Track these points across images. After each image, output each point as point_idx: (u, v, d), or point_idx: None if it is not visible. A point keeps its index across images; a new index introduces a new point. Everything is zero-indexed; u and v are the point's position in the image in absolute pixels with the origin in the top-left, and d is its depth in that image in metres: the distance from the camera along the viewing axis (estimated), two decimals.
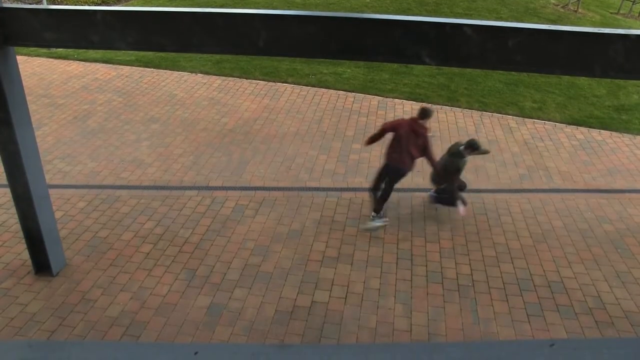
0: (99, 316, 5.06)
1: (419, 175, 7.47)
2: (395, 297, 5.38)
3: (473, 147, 6.30)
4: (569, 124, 9.25)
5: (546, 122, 9.26)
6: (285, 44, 3.99)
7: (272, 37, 3.96)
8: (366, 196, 6.81)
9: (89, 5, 13.43)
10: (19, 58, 4.88)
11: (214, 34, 4.02)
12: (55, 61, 11.36)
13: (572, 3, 14.98)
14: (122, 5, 15.43)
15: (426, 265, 5.81)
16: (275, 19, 3.93)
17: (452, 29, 3.72)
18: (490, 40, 3.71)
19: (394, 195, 6.60)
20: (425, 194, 7.03)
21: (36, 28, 4.31)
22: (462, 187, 6.72)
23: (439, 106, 9.65)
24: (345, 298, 5.36)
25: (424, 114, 6.06)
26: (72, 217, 6.46)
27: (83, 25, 4.22)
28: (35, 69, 10.88)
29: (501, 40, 3.70)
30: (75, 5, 15.30)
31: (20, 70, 4.77)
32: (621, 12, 16.13)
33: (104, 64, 11.22)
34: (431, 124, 8.98)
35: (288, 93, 10.00)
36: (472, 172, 7.60)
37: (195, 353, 0.92)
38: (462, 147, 6.37)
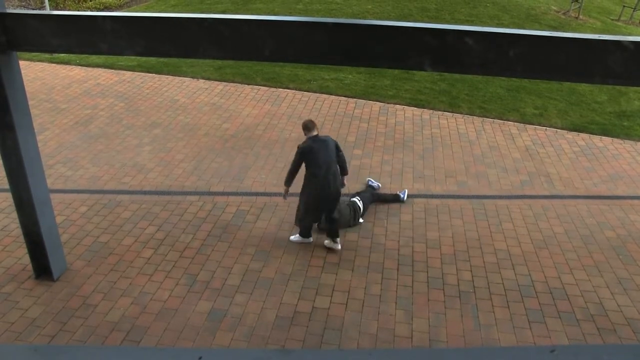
0: (99, 321, 5.05)
1: (420, 181, 7.48)
2: (396, 303, 5.37)
3: None
4: (570, 130, 9.25)
5: (547, 128, 9.27)
6: (290, 51, 4.00)
7: (276, 44, 3.98)
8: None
9: (92, 11, 13.49)
10: (21, 63, 4.89)
11: (220, 41, 4.04)
12: (57, 66, 11.40)
13: (573, 10, 15.02)
14: (125, 11, 15.49)
15: (427, 271, 5.80)
16: (280, 25, 3.95)
17: (454, 36, 3.73)
18: (491, 47, 3.72)
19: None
20: (426, 200, 7.03)
21: (39, 33, 4.34)
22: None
23: (440, 112, 9.66)
24: (346, 304, 5.35)
25: None
26: (74, 221, 6.46)
27: (85, 31, 4.24)
28: (38, 74, 10.92)
29: (502, 46, 3.71)
30: (78, 11, 15.37)
31: (22, 75, 4.79)
32: (622, 18, 16.17)
33: (106, 69, 11.25)
34: (432, 130, 9.00)
35: (289, 99, 10.02)
36: (473, 178, 7.61)
37: (199, 358, 0.91)
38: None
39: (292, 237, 6.20)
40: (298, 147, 5.90)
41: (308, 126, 5.93)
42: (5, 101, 4.59)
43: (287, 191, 6.07)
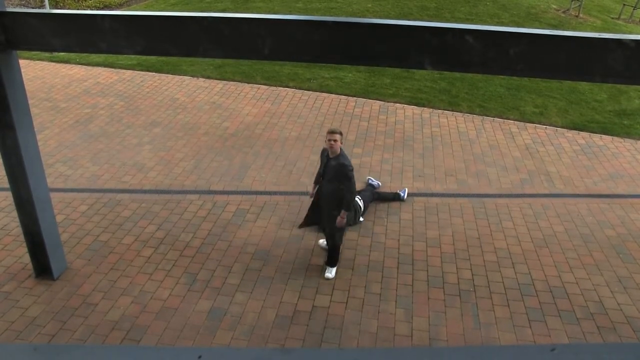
0: (99, 320, 5.06)
1: (420, 180, 7.48)
2: (396, 301, 5.37)
3: None
4: (571, 128, 9.25)
5: (547, 126, 9.26)
6: (290, 49, 4.00)
7: (276, 42, 3.97)
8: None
9: (91, 10, 13.47)
10: (21, 62, 4.89)
11: (220, 40, 4.03)
12: (57, 65, 11.39)
13: (573, 8, 15.01)
14: (124, 10, 15.48)
15: (427, 270, 5.80)
16: (280, 24, 3.94)
17: (454, 34, 3.73)
18: (491, 45, 3.72)
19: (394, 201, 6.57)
20: (426, 199, 7.04)
21: (39, 32, 4.33)
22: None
23: (440, 111, 9.66)
24: (346, 303, 5.35)
25: None
26: (74, 220, 6.46)
27: (85, 30, 4.24)
28: (37, 73, 10.91)
29: (502, 45, 3.70)
30: (77, 9, 15.34)
31: (22, 73, 4.79)
32: (622, 17, 16.16)
33: (105, 68, 11.25)
34: (432, 129, 9.00)
35: (289, 97, 10.02)
36: (473, 176, 7.61)
37: (199, 357, 0.91)
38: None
39: (328, 275, 5.64)
40: (348, 167, 5.22)
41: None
42: (5, 100, 4.59)
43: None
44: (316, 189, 5.73)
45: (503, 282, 5.66)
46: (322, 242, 6.05)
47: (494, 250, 6.14)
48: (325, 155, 5.46)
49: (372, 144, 8.45)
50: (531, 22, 13.93)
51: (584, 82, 10.63)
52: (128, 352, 0.95)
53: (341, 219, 5.38)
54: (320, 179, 5.57)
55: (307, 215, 5.96)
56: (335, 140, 5.19)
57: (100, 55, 11.42)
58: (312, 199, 5.86)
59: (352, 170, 5.26)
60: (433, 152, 8.24)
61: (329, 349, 0.96)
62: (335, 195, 5.35)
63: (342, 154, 5.31)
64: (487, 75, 10.68)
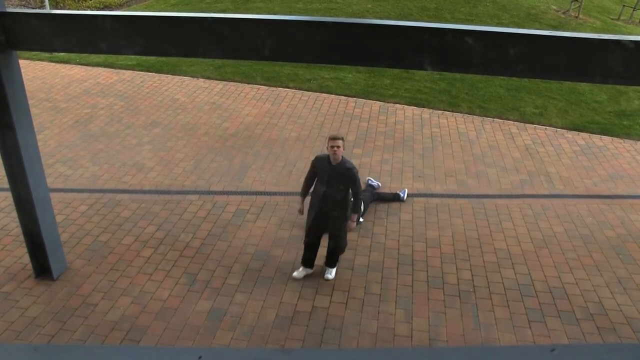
0: (99, 320, 5.05)
1: (420, 180, 7.48)
2: (396, 302, 5.37)
3: None
4: (570, 129, 9.25)
5: (547, 127, 9.27)
6: (290, 50, 4.01)
7: (276, 43, 3.98)
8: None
9: (91, 10, 13.50)
10: (20, 62, 4.89)
11: (220, 40, 4.04)
12: (57, 65, 11.40)
13: (573, 9, 15.02)
14: (125, 10, 15.49)
15: (427, 271, 5.80)
16: (280, 24, 3.94)
17: (453, 35, 3.73)
18: (490, 46, 3.72)
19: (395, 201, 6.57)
20: (426, 199, 7.04)
21: (39, 32, 4.33)
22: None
23: (440, 111, 9.66)
24: (346, 303, 5.35)
25: None
26: (73, 220, 6.46)
27: (85, 30, 4.24)
28: (37, 73, 10.92)
29: (502, 46, 3.71)
30: (77, 10, 15.36)
31: (22, 74, 4.79)
32: (622, 18, 16.16)
33: (105, 68, 11.25)
34: (432, 130, 9.00)
35: (289, 98, 10.02)
36: (473, 177, 7.61)
37: (199, 357, 0.91)
38: None
39: (328, 275, 5.61)
40: (354, 170, 5.22)
41: None
42: (5, 100, 4.59)
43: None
44: (306, 200, 5.64)
45: (503, 283, 5.66)
46: (296, 273, 5.65)
47: (494, 250, 6.14)
48: (325, 162, 5.27)
49: (372, 144, 8.46)
50: (531, 22, 13.93)
51: (584, 83, 10.64)
52: (128, 352, 0.95)
53: (352, 222, 5.45)
54: (318, 188, 5.39)
55: (306, 242, 5.62)
56: (338, 147, 5.09)
57: (100, 55, 11.42)
58: (301, 214, 5.73)
59: (358, 172, 5.28)
60: (433, 152, 8.24)
61: (329, 350, 0.97)
62: (337, 197, 5.35)
63: (345, 159, 5.26)
64: (487, 76, 10.68)
